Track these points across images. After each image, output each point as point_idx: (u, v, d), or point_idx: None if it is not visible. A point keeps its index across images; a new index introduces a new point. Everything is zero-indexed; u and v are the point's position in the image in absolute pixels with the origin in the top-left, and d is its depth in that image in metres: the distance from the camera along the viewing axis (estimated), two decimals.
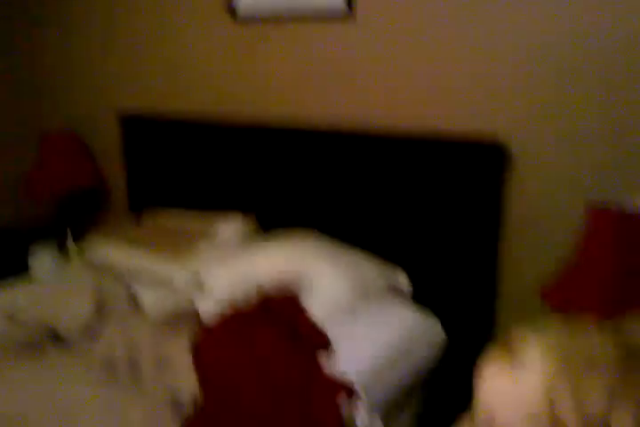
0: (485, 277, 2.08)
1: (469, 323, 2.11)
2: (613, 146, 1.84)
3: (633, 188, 1.79)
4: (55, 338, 1.95)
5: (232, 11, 2.47)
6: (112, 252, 2.45)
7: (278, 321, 1.97)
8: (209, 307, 2.10)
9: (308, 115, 2.39)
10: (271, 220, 2.49)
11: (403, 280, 2.17)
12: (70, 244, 2.92)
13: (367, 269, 2.13)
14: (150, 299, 2.18)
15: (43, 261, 2.79)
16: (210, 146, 2.63)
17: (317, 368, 1.75)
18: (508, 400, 0.50)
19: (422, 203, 2.14)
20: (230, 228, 2.45)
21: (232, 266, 2.25)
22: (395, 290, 2.14)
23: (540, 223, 2.00)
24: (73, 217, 3.09)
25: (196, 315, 2.08)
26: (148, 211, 2.74)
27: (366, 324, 1.99)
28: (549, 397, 0.47)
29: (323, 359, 1.80)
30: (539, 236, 2.01)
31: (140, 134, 2.82)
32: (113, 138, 2.95)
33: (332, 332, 1.90)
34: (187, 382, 1.69)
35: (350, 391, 1.66)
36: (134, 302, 2.19)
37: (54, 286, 2.26)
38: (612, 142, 1.84)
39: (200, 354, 1.83)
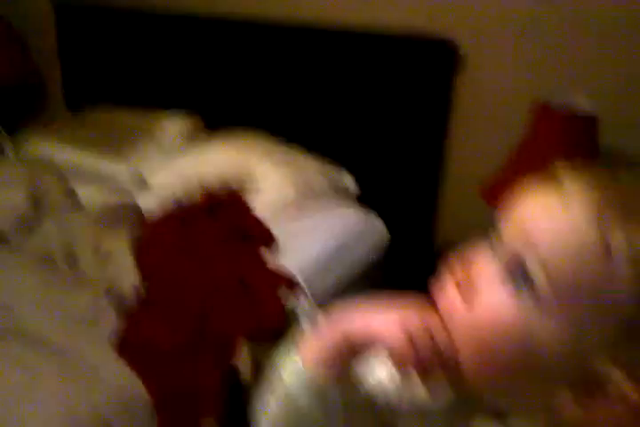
0: (429, 177, 2.09)
1: (411, 223, 2.13)
2: (565, 47, 1.82)
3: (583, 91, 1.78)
4: None
5: None
6: (49, 148, 2.36)
7: (222, 218, 1.95)
8: (151, 204, 2.06)
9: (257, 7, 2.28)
10: (216, 119, 2.41)
11: (348, 181, 2.16)
12: (3, 138, 2.79)
13: (313, 168, 2.12)
14: (90, 195, 2.12)
15: None
16: (151, 37, 2.48)
17: (260, 262, 1.76)
18: (552, 226, 0.47)
19: (370, 102, 2.10)
20: (174, 125, 2.37)
21: (175, 163, 2.20)
22: (340, 190, 2.13)
23: (489, 124, 1.99)
24: (4, 110, 2.92)
25: (137, 212, 2.04)
26: (86, 107, 2.61)
27: (311, 222, 1.98)
28: (599, 226, 0.45)
29: (266, 255, 1.80)
30: (486, 136, 2.00)
31: (75, 23, 2.64)
32: (48, 26, 2.75)
33: (277, 229, 1.90)
34: (127, 276, 1.68)
35: (293, 285, 1.67)
36: (72, 197, 2.12)
37: None
38: (564, 44, 1.82)
39: (142, 247, 1.81)
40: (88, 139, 2.36)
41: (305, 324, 1.58)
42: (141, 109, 2.49)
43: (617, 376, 0.47)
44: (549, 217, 0.48)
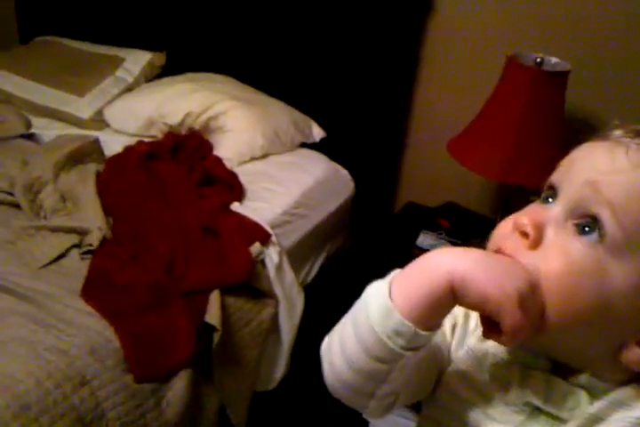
0: (395, 129, 2.08)
1: (376, 175, 2.14)
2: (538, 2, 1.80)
3: (556, 48, 1.77)
4: None
5: None
6: (5, 83, 2.24)
7: (185, 160, 1.92)
8: (113, 144, 1.99)
9: None
10: (184, 60, 2.32)
11: (316, 130, 2.13)
12: None
13: (280, 115, 2.08)
14: (50, 134, 2.05)
15: None
16: None
17: (228, 211, 1.75)
18: (622, 175, 0.52)
19: (340, 53, 2.04)
20: (138, 63, 2.28)
21: (140, 103, 2.13)
22: (307, 139, 2.11)
23: (459, 76, 1.98)
24: None
25: (99, 152, 1.99)
26: (43, 40, 2.47)
27: (278, 171, 1.97)
28: None
29: (233, 203, 1.79)
30: (455, 90, 1.99)
31: None
32: None
33: (243, 177, 1.88)
34: (93, 218, 1.65)
35: (261, 235, 1.67)
36: (32, 135, 2.05)
37: None
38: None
39: (106, 183, 1.77)
40: (46, 75, 2.25)
41: (272, 274, 1.61)
42: (103, 46, 2.37)
43: None
44: (617, 166, 0.51)
